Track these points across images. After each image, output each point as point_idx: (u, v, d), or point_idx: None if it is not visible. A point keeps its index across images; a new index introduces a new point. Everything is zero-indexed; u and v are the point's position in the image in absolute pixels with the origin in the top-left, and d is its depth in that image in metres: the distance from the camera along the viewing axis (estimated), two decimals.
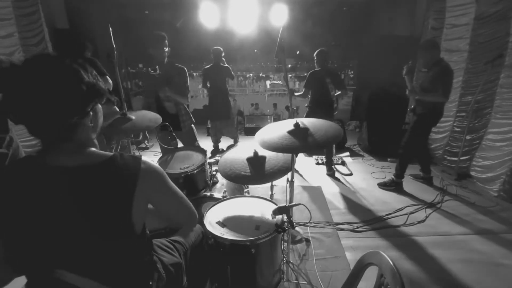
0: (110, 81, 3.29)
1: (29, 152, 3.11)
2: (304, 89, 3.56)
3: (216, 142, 4.54)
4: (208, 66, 4.19)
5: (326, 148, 3.72)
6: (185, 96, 2.62)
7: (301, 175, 3.73)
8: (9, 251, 0.75)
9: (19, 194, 0.73)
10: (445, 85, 2.77)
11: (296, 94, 3.66)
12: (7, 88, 0.69)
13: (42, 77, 0.69)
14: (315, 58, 3.54)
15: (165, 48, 2.46)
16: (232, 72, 4.30)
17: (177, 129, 2.68)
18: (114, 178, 0.76)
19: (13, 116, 0.70)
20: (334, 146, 3.99)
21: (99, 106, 0.85)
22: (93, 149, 0.82)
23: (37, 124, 0.72)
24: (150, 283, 0.92)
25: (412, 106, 3.10)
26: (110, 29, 1.99)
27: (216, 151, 4.49)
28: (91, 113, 0.78)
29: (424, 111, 2.96)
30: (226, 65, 4.22)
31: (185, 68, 2.62)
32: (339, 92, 3.58)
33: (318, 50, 3.51)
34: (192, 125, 2.85)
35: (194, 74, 7.02)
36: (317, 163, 4.12)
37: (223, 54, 4.15)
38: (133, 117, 1.86)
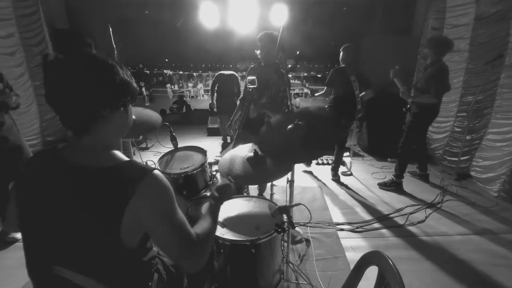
0: None
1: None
2: (325, 88, 3.26)
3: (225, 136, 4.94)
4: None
5: (336, 152, 3.55)
6: (277, 109, 2.26)
7: (301, 175, 3.73)
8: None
9: (31, 186, 0.78)
10: (437, 86, 2.75)
11: (316, 94, 3.50)
12: (47, 78, 0.72)
13: (79, 68, 0.72)
14: (341, 56, 3.23)
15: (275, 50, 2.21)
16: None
17: (257, 133, 2.43)
18: (111, 187, 0.73)
19: (52, 106, 0.73)
20: (351, 151, 3.93)
21: (131, 107, 0.86)
22: (114, 151, 0.81)
23: (68, 112, 0.75)
24: (150, 284, 0.92)
25: (408, 106, 3.10)
26: (110, 29, 2.00)
27: (226, 144, 4.76)
28: (121, 109, 0.79)
29: (418, 110, 2.97)
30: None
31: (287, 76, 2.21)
32: (363, 93, 3.18)
33: (344, 46, 3.21)
34: None
35: (194, 74, 7.03)
36: (317, 163, 4.12)
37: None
38: (134, 117, 1.86)
